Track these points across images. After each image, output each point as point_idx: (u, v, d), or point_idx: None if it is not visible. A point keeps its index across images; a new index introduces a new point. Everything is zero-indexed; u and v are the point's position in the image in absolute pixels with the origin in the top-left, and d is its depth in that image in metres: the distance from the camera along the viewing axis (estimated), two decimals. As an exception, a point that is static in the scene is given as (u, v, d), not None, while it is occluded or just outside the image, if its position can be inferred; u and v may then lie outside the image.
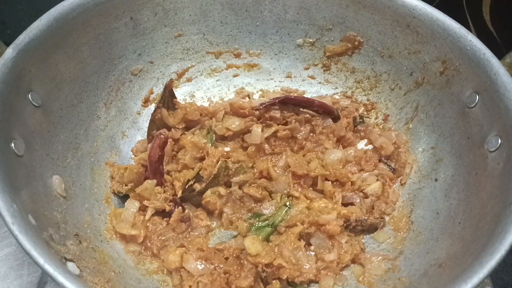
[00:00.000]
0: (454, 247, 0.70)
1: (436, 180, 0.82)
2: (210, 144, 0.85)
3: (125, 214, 0.79)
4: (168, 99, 0.89)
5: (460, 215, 0.73)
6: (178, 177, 0.83)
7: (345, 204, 0.83)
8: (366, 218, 0.81)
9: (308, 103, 0.90)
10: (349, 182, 0.84)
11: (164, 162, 0.84)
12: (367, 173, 0.86)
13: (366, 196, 0.85)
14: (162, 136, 0.85)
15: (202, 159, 0.84)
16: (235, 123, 0.87)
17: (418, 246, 0.76)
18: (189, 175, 0.82)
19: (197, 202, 0.83)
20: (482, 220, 0.67)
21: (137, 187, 0.82)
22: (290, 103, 0.90)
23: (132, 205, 0.80)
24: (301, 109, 0.90)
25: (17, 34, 0.71)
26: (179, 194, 0.81)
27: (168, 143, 0.85)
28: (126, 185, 0.83)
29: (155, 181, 0.82)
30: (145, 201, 0.81)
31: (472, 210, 0.71)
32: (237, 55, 0.98)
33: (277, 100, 0.88)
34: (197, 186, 0.82)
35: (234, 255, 0.76)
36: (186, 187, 0.82)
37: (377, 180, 0.86)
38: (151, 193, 0.81)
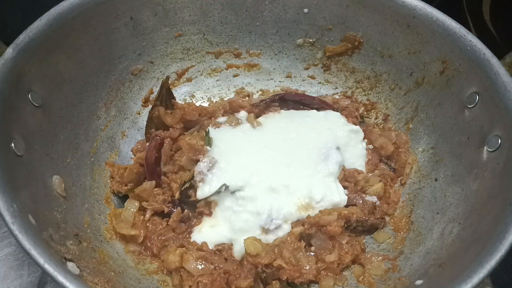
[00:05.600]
0: (454, 247, 0.70)
1: (436, 180, 0.82)
2: (209, 146, 0.84)
3: (125, 214, 0.79)
4: (165, 97, 0.89)
5: (460, 215, 0.73)
6: (174, 178, 0.82)
7: (346, 205, 0.83)
8: (366, 218, 0.80)
9: (308, 100, 0.90)
10: (352, 184, 0.84)
11: (161, 163, 0.84)
12: (370, 174, 0.86)
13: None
14: (158, 138, 0.84)
15: (199, 160, 0.84)
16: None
17: (418, 246, 0.76)
18: (185, 176, 0.81)
19: (195, 204, 0.83)
20: (482, 220, 0.67)
21: (137, 187, 0.82)
22: (290, 100, 0.89)
23: (132, 205, 0.80)
24: (301, 106, 0.90)
25: (17, 34, 0.71)
26: (177, 195, 0.80)
27: (167, 142, 0.85)
28: (126, 185, 0.83)
29: (153, 182, 0.82)
30: (144, 202, 0.81)
31: (472, 210, 0.71)
32: (237, 55, 0.98)
33: (277, 97, 0.88)
34: (192, 194, 0.80)
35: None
36: (182, 189, 0.81)
37: (380, 181, 0.85)
38: (150, 195, 0.81)
